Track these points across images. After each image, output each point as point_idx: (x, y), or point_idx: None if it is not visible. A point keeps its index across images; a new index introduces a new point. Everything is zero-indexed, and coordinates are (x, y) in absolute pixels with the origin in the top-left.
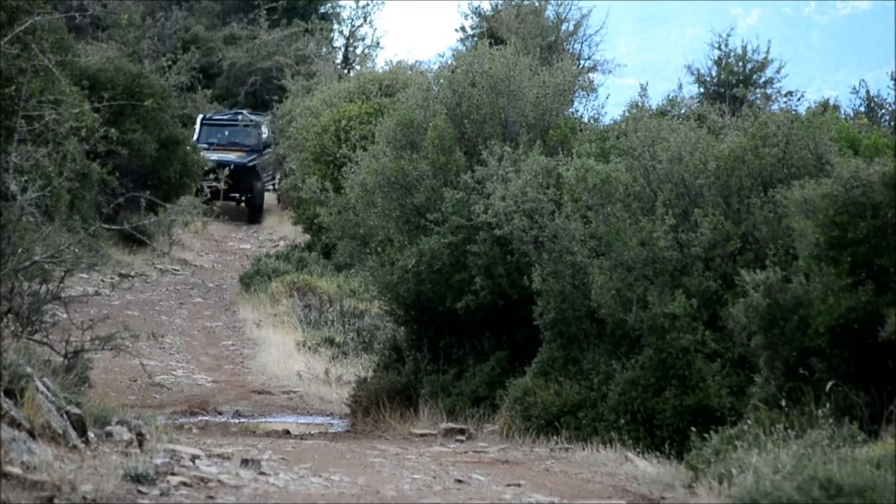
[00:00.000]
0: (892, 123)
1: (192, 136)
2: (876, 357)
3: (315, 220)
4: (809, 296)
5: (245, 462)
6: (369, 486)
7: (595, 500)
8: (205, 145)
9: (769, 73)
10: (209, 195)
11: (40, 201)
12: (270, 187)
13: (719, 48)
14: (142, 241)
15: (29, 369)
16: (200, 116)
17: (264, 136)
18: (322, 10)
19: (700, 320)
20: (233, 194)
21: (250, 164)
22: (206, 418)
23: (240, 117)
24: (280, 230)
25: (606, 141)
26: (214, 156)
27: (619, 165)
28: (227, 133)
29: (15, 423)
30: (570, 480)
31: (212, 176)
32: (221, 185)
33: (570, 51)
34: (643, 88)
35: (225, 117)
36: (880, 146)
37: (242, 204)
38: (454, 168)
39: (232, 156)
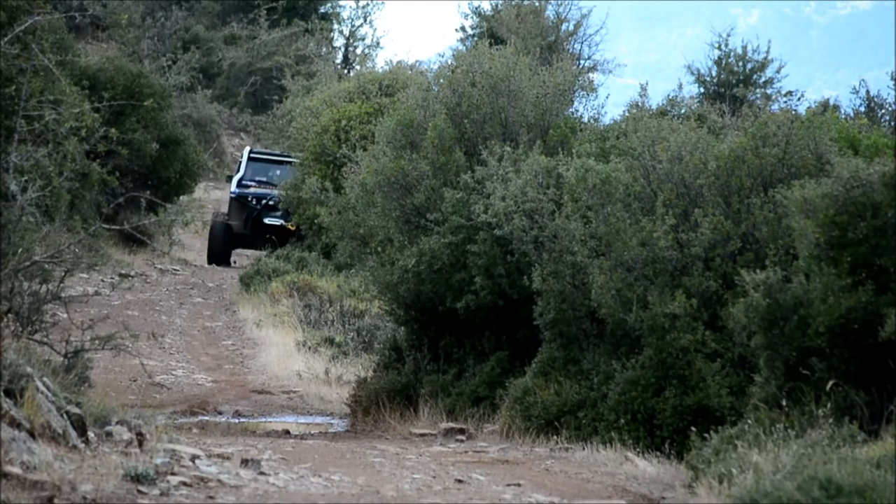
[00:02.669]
0: (892, 123)
1: (236, 172)
2: (876, 357)
3: (315, 220)
4: (809, 296)
5: (245, 462)
6: (369, 486)
7: (595, 500)
8: (251, 182)
9: (769, 73)
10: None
11: (40, 201)
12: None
13: (719, 48)
14: (142, 241)
15: (29, 369)
16: (247, 150)
17: None
18: (322, 10)
19: (700, 320)
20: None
21: None
22: (206, 418)
23: (292, 156)
24: None
25: (606, 141)
26: (274, 192)
27: (619, 165)
28: (278, 172)
29: (15, 423)
30: (570, 480)
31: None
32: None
33: (570, 51)
34: (643, 88)
35: (276, 154)
36: (880, 146)
37: None
38: (454, 168)
39: None
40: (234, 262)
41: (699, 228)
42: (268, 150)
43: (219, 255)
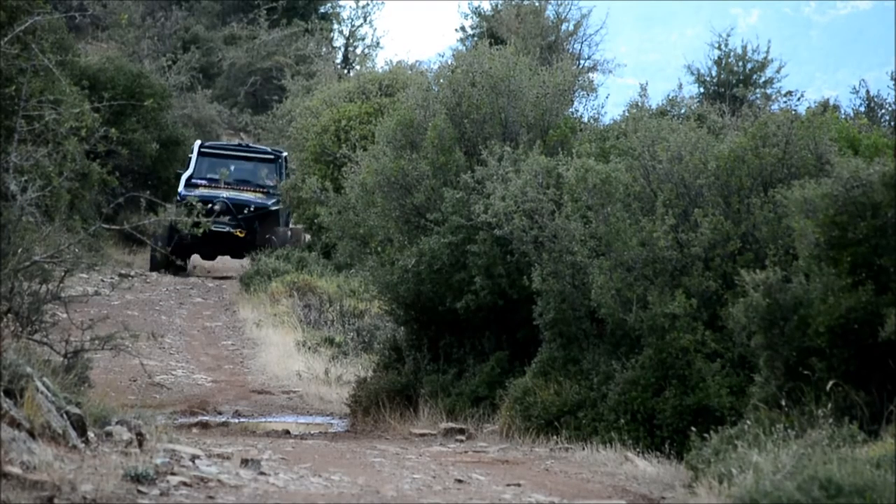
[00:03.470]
0: (892, 123)
1: (185, 169)
2: (876, 357)
3: (315, 220)
4: (809, 296)
5: (245, 462)
6: (369, 486)
7: (595, 500)
8: (200, 182)
9: (769, 73)
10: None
11: (40, 201)
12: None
13: (719, 48)
14: (142, 241)
15: (29, 369)
16: (197, 143)
17: (285, 173)
18: (322, 10)
19: (700, 320)
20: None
21: (273, 206)
22: (206, 418)
23: (252, 147)
24: None
25: (606, 141)
26: (224, 194)
27: (619, 165)
28: (232, 168)
29: (15, 423)
30: (570, 480)
31: (224, 219)
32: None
33: (570, 51)
34: (643, 88)
35: (231, 147)
36: (880, 146)
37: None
38: (454, 168)
39: (248, 196)
40: (195, 268)
41: (699, 228)
42: (222, 144)
43: (162, 262)
